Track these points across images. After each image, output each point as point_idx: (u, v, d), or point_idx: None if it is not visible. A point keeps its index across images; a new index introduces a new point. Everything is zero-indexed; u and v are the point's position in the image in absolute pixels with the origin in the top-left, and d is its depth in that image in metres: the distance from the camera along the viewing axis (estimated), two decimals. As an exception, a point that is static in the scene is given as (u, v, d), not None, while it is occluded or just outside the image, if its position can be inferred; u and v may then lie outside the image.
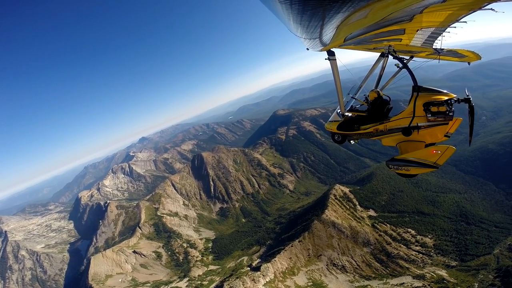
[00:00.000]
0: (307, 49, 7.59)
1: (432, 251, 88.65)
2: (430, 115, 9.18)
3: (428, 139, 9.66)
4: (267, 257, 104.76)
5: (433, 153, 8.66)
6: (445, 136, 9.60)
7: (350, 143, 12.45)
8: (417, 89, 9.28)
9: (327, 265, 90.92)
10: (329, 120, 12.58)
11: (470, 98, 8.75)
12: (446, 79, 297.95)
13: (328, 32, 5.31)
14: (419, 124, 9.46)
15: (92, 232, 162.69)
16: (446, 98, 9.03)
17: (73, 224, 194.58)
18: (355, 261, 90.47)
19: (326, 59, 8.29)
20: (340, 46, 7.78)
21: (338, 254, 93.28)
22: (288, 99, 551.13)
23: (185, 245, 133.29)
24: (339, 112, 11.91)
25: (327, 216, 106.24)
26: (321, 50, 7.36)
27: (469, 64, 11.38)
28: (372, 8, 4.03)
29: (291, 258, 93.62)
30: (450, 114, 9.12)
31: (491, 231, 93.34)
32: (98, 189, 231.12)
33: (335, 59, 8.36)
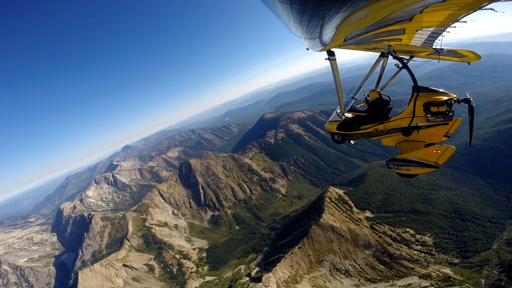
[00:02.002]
0: (307, 49, 7.50)
1: (433, 249, 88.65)
2: (430, 115, 9.24)
3: (428, 139, 9.70)
4: (266, 265, 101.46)
5: (433, 153, 8.72)
6: (445, 136, 9.61)
7: (350, 143, 12.37)
8: (417, 89, 9.32)
9: (330, 270, 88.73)
10: (329, 120, 12.45)
11: (470, 98, 8.77)
12: (425, 78, 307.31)
13: (328, 32, 5.31)
14: (419, 124, 9.52)
15: (77, 245, 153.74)
16: (446, 98, 9.06)
17: (56, 237, 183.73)
18: (359, 265, 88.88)
19: (326, 59, 8.21)
20: (340, 46, 7.75)
21: (340, 259, 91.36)
22: (274, 102, 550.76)
23: (177, 256, 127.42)
24: (339, 112, 11.82)
25: (324, 220, 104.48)
26: (321, 50, 7.34)
27: (469, 64, 11.26)
28: (372, 8, 4.01)
29: (292, 266, 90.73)
30: (450, 114, 9.15)
31: (486, 226, 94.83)
32: (81, 200, 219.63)
33: (335, 59, 8.28)
